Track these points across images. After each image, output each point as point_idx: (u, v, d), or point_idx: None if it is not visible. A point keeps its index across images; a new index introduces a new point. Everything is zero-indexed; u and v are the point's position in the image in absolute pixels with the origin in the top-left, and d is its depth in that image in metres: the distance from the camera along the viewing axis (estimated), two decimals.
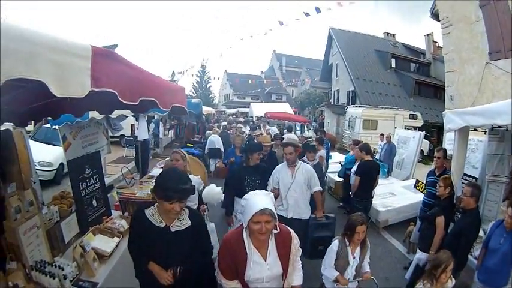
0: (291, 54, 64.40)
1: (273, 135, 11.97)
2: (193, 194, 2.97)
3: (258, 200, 2.62)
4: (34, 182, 5.85)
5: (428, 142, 19.29)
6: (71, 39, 2.00)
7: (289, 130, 16.73)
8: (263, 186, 5.58)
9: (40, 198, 5.69)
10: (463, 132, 5.76)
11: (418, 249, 5.43)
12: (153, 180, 6.90)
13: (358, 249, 4.00)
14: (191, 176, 3.82)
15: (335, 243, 3.98)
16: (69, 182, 4.54)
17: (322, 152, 8.98)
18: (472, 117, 5.11)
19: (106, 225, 4.35)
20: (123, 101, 2.41)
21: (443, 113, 6.06)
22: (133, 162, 11.21)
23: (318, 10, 15.07)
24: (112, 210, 5.69)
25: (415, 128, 18.27)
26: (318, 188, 5.61)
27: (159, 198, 2.73)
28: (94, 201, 4.77)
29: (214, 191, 5.66)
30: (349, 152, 11.41)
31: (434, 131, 23.74)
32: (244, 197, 2.74)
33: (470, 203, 4.67)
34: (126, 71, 2.56)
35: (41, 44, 1.73)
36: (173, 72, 55.51)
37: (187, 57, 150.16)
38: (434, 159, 6.90)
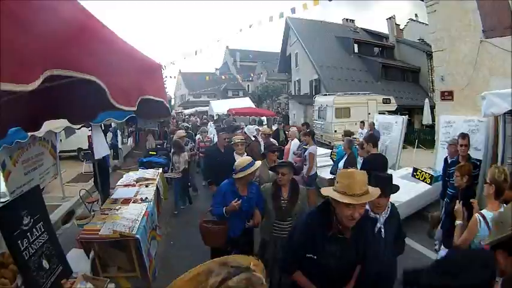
0: (245, 49, 63.18)
1: (251, 136, 10.34)
2: None
3: None
4: None
5: None
6: None
7: (260, 123, 15.60)
8: None
9: None
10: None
11: (442, 246, 5.07)
12: (117, 207, 5.57)
13: None
14: None
15: None
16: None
17: (313, 148, 7.89)
18: None
19: None
20: None
21: (481, 95, 5.44)
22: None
23: (293, 11, 14.06)
24: (74, 250, 4.59)
25: (390, 112, 17.67)
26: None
27: None
28: (45, 262, 3.27)
29: None
30: (339, 145, 10.34)
31: (405, 113, 23.31)
32: None
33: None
34: None
35: None
36: None
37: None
38: (460, 147, 6.09)
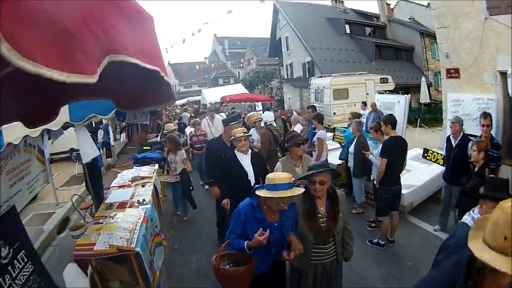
0: (233, 36, 62.69)
1: (266, 123, 9.41)
2: None
3: None
4: None
5: None
6: None
7: (267, 109, 15.10)
8: None
9: None
10: None
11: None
12: (112, 213, 4.93)
13: None
14: None
15: None
16: None
17: (322, 133, 7.41)
18: None
19: None
20: None
21: (508, 72, 4.87)
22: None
23: None
24: (71, 265, 4.02)
25: (389, 91, 17.20)
26: None
27: None
28: None
29: None
30: (343, 128, 9.88)
31: (403, 92, 22.95)
32: None
33: None
34: None
35: None
36: None
37: None
38: (482, 127, 5.75)
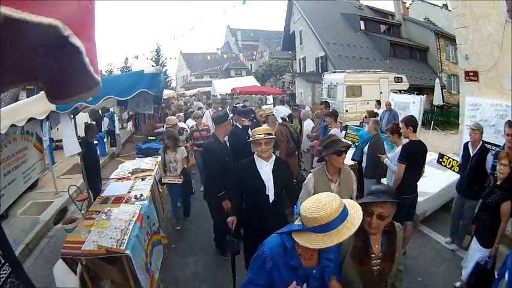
0: (246, 28, 62.24)
1: (279, 119, 8.65)
2: None
3: None
4: None
5: None
6: None
7: (281, 102, 14.67)
8: None
9: None
10: None
11: (475, 245, 4.45)
12: (106, 209, 4.46)
13: None
14: None
15: None
16: None
17: (335, 131, 7.13)
18: None
19: None
20: None
21: None
22: None
23: None
24: (61, 262, 3.82)
25: (402, 91, 16.76)
26: None
27: None
28: None
29: None
30: (359, 127, 9.43)
31: (417, 93, 22.46)
32: None
33: None
34: None
35: None
36: (126, 58, 55.43)
37: (140, 40, 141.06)
38: (507, 136, 5.20)
